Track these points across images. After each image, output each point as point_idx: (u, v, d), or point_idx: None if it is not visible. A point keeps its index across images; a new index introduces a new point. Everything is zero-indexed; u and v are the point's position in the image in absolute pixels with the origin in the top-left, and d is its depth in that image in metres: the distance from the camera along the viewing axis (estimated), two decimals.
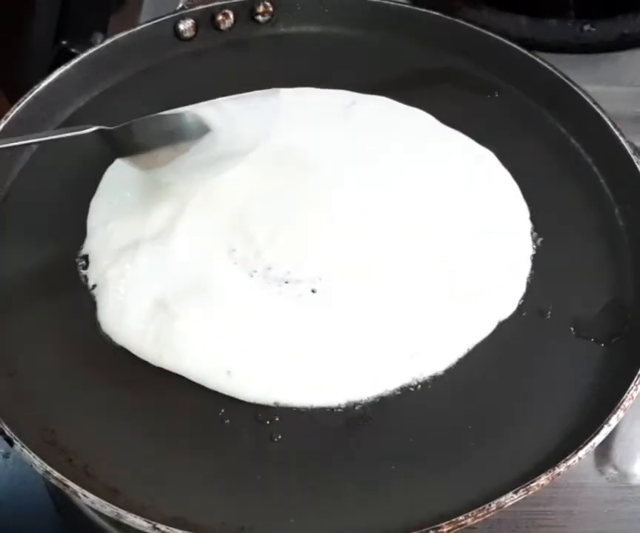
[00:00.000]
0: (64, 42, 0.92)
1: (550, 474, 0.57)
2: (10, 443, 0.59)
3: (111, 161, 0.75)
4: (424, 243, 0.70)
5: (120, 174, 0.75)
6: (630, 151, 0.73)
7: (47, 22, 0.99)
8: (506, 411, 0.63)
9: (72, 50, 0.88)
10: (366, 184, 0.74)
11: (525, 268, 0.69)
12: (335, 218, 0.71)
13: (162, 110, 0.78)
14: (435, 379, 0.64)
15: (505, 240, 0.71)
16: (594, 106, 0.76)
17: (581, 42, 0.91)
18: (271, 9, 0.86)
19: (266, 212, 0.72)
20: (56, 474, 0.58)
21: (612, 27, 0.91)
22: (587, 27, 0.91)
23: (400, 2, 0.87)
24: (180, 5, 0.84)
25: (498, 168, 0.75)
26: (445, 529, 0.56)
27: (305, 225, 0.71)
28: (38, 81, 0.78)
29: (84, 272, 0.70)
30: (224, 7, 0.85)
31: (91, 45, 0.83)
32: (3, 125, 0.75)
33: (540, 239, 0.71)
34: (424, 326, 0.66)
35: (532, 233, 0.72)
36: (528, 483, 0.57)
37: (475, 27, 0.83)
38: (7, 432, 0.59)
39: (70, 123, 0.79)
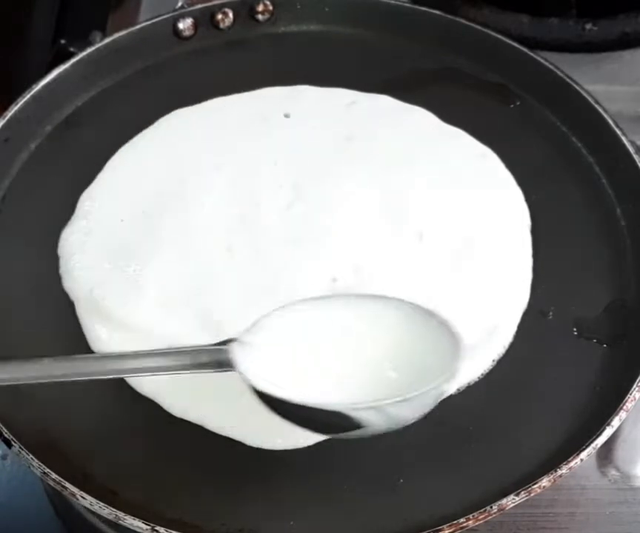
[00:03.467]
0: (62, 41, 0.91)
1: (551, 476, 0.57)
2: (8, 444, 0.59)
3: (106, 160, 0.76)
4: (424, 242, 0.70)
5: (116, 172, 0.75)
6: (631, 150, 0.73)
7: (45, 21, 0.99)
8: (507, 413, 0.63)
9: (71, 49, 0.87)
10: (367, 183, 0.73)
11: (527, 268, 0.69)
12: (334, 218, 0.71)
13: (160, 110, 0.79)
14: None
15: (506, 240, 0.71)
16: (596, 106, 0.76)
17: (583, 41, 0.90)
18: (271, 8, 0.85)
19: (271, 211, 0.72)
20: (54, 475, 0.57)
21: (614, 26, 0.91)
22: (588, 26, 0.90)
23: (401, 1, 0.86)
24: (179, 4, 0.84)
25: (500, 167, 0.75)
26: (446, 531, 0.55)
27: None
28: (36, 81, 0.78)
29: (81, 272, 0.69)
30: (223, 5, 0.84)
31: (90, 44, 0.83)
32: (2, 124, 0.75)
33: (541, 239, 0.71)
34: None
35: (533, 233, 0.71)
36: (530, 484, 0.56)
37: (476, 26, 0.83)
38: (5, 434, 0.59)
39: (68, 123, 0.79)
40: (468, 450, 0.61)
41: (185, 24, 0.84)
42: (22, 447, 0.58)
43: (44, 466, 0.58)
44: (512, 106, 0.80)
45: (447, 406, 0.62)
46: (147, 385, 0.63)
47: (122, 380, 0.63)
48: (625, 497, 0.68)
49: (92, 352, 0.65)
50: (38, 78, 0.78)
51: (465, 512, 0.56)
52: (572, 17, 0.91)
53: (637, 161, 0.72)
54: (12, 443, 0.59)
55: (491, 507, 0.56)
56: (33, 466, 0.58)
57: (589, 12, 0.91)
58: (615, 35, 0.90)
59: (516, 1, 0.92)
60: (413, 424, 0.61)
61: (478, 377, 0.64)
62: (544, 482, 0.56)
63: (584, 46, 0.90)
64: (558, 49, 0.89)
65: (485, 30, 0.82)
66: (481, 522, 0.56)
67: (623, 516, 0.67)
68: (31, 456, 0.58)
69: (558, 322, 0.67)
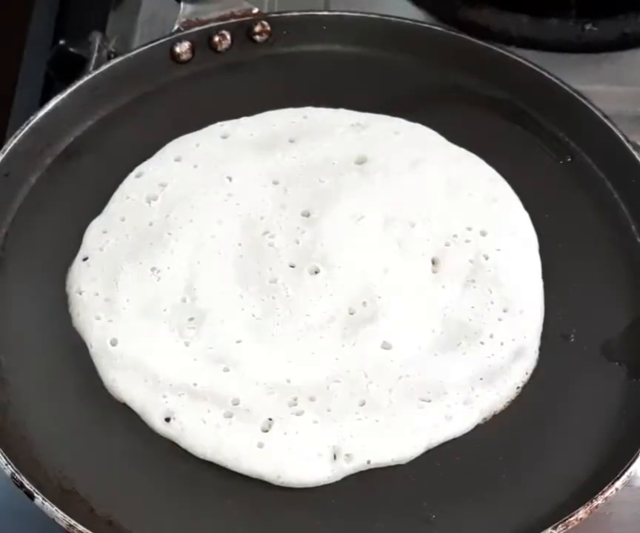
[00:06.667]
0: (62, 41, 0.90)
1: (588, 508, 0.56)
2: (31, 496, 0.58)
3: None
4: (438, 268, 0.69)
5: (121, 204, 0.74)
6: None
7: (45, 21, 0.99)
8: (534, 442, 0.62)
9: (71, 49, 0.86)
10: (376, 207, 0.72)
11: (539, 292, 0.68)
12: (345, 245, 0.71)
13: (161, 136, 0.78)
14: None
15: (517, 264, 0.70)
16: (605, 121, 0.75)
17: (583, 41, 0.90)
18: (269, 28, 0.83)
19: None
20: (80, 527, 0.57)
21: (614, 27, 0.91)
22: (588, 27, 0.90)
23: (401, 17, 0.84)
24: (176, 27, 0.82)
25: (507, 189, 0.74)
26: None
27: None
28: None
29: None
30: (220, 28, 0.83)
31: (90, 44, 0.82)
32: (1, 158, 0.74)
33: (556, 260, 0.70)
34: (438, 363, 0.65)
35: (546, 253, 0.70)
36: (566, 517, 0.56)
37: (479, 42, 0.81)
38: (26, 486, 0.58)
39: (68, 154, 0.78)
40: (499, 481, 0.60)
41: (182, 48, 0.82)
42: (45, 499, 0.58)
43: (69, 518, 0.57)
44: (519, 123, 0.79)
45: (475, 437, 0.62)
46: (166, 428, 0.63)
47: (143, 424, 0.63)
48: (625, 497, 0.67)
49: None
50: (37, 78, 0.78)
51: None
52: (571, 17, 0.91)
53: None
54: (35, 494, 0.58)
55: None
56: (58, 518, 0.57)
57: (588, 13, 0.91)
58: (614, 36, 0.90)
59: (516, 1, 0.91)
60: (441, 458, 0.61)
61: (504, 405, 0.63)
62: (581, 513, 0.56)
63: (583, 46, 0.90)
64: (558, 49, 0.89)
65: (489, 46, 0.81)
66: None
67: (623, 516, 0.67)
68: (55, 508, 0.57)
69: (580, 344, 0.66)
